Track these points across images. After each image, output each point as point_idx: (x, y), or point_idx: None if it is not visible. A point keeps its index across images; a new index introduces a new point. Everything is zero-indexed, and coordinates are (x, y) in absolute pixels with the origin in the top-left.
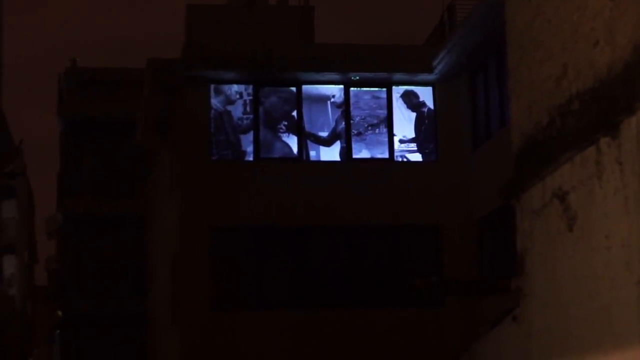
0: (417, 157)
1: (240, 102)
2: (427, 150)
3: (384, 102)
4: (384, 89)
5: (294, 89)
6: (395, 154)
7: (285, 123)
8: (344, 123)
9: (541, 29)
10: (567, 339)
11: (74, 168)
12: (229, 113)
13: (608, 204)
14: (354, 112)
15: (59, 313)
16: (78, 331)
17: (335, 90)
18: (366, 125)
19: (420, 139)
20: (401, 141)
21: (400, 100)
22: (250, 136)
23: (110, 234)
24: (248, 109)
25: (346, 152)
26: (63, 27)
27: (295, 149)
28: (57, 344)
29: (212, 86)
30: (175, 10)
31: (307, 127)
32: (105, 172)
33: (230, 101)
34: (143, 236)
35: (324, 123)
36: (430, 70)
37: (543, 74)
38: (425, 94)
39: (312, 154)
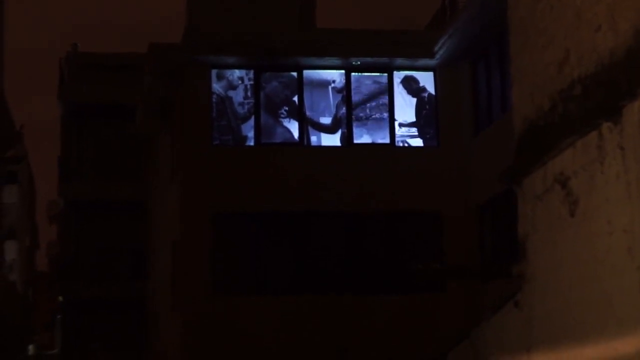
0: (418, 142)
1: (241, 87)
2: (427, 136)
3: (385, 87)
4: (385, 74)
5: (294, 74)
6: (396, 139)
7: (286, 108)
8: (344, 108)
9: (543, 14)
10: (569, 325)
11: (75, 152)
12: (230, 98)
13: (610, 189)
14: (354, 97)
15: (60, 298)
16: (79, 316)
17: (336, 75)
18: (367, 111)
19: (421, 124)
20: (401, 125)
21: (401, 86)
22: (251, 121)
23: (111, 217)
24: (249, 94)
25: (347, 137)
26: (65, 12)
27: (296, 134)
28: (58, 329)
29: (213, 71)
30: None
31: (308, 112)
32: (106, 156)
33: (231, 86)
34: (144, 220)
35: (324, 108)
36: (431, 55)
37: (545, 59)
38: (427, 79)
39: (313, 139)
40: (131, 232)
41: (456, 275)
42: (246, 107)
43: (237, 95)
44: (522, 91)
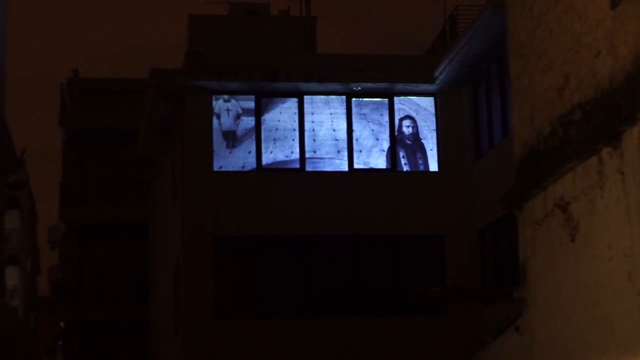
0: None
1: (241, 112)
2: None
3: (386, 112)
4: (386, 99)
5: (295, 99)
6: (397, 163)
7: (288, 134)
8: (345, 133)
9: (543, 39)
10: (570, 349)
11: (76, 177)
12: (230, 123)
13: (610, 214)
14: (355, 122)
15: (62, 324)
16: (81, 340)
17: (337, 101)
18: (368, 135)
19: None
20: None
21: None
22: (252, 146)
23: (113, 242)
24: (249, 119)
25: (348, 162)
26: (67, 37)
27: (297, 159)
28: (60, 354)
29: (214, 96)
30: (177, 20)
31: (309, 136)
32: (108, 180)
33: (231, 111)
34: (146, 243)
35: (325, 133)
36: (432, 80)
37: (545, 84)
38: (427, 104)
39: (314, 163)
40: (133, 256)
41: (457, 299)
42: (247, 131)
43: (238, 120)
44: (523, 115)
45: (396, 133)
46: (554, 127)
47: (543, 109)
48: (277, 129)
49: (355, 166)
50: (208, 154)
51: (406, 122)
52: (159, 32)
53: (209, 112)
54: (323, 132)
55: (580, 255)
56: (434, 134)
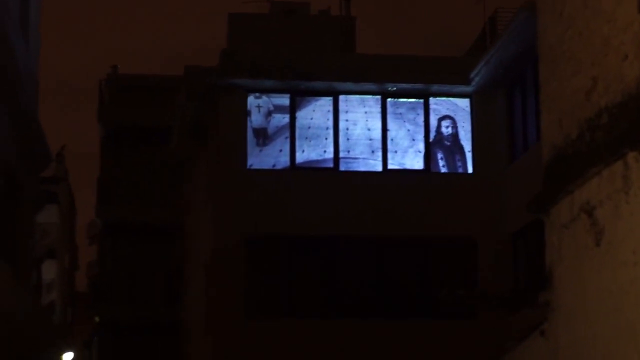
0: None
1: (273, 109)
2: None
3: (422, 112)
4: (421, 100)
5: (330, 98)
6: (431, 165)
7: (321, 132)
8: (380, 133)
9: (572, 42)
10: (594, 354)
11: (113, 173)
12: (261, 120)
13: (635, 219)
14: (390, 122)
15: (97, 319)
16: (115, 337)
17: (372, 101)
18: (402, 136)
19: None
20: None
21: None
22: (283, 144)
23: (148, 239)
24: (281, 116)
25: (382, 162)
26: (105, 35)
27: (331, 159)
28: (95, 350)
29: (249, 95)
30: (218, 20)
31: (343, 136)
32: (144, 178)
33: (262, 108)
34: (180, 243)
35: (360, 133)
36: (467, 82)
37: (573, 87)
38: (463, 106)
39: (348, 163)
40: (167, 255)
41: (481, 302)
42: (281, 131)
43: (272, 119)
44: (551, 119)
45: (435, 133)
46: (582, 130)
47: (571, 113)
48: (309, 128)
49: (390, 167)
50: (241, 152)
51: (445, 122)
52: (198, 31)
53: (244, 111)
54: (357, 131)
55: (605, 260)
56: (470, 136)
